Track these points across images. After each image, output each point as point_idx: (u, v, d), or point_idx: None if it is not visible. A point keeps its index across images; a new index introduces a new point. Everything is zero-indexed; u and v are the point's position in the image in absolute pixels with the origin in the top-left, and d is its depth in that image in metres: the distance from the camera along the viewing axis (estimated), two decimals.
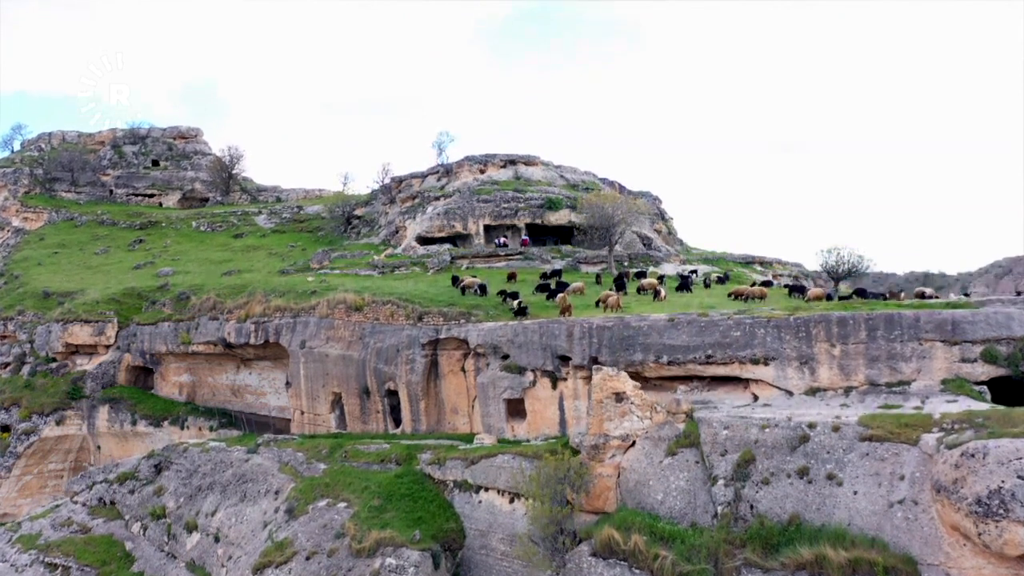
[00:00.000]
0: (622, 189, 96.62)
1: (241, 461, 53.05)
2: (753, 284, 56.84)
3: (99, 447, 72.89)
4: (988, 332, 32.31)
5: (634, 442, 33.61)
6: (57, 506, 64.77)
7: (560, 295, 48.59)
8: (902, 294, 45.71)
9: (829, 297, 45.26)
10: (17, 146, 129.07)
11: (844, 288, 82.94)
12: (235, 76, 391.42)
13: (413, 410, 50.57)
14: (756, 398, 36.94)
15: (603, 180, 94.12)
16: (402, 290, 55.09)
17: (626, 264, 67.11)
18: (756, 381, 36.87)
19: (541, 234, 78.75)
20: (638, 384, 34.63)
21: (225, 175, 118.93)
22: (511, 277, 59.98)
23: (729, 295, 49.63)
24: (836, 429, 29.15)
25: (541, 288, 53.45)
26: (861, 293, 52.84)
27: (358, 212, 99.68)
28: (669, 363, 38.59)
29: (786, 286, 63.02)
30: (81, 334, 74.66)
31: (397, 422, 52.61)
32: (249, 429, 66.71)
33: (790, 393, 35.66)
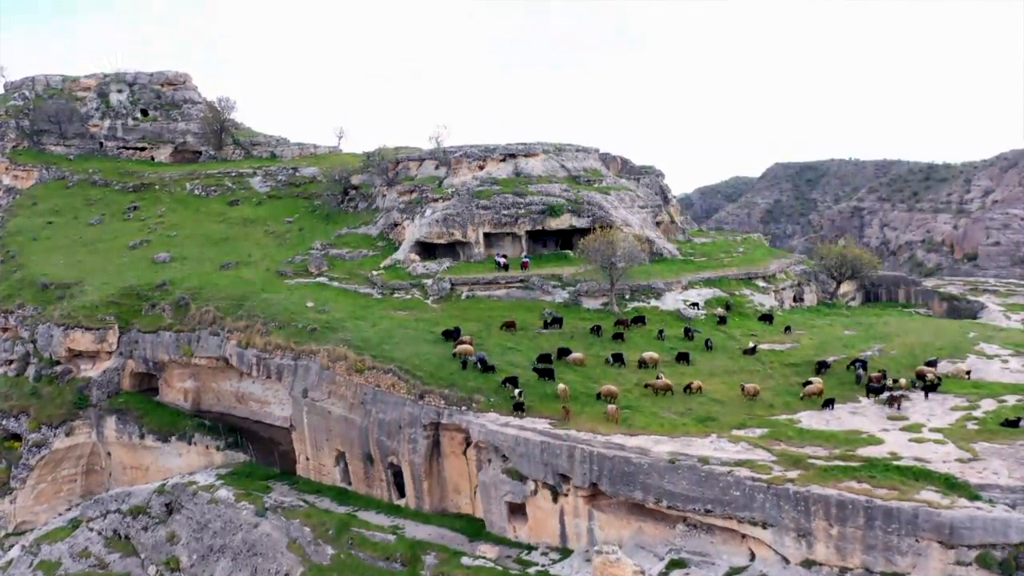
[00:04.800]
0: (624, 164, 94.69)
1: (250, 526, 54.58)
2: (752, 348, 56.79)
3: (109, 453, 74.40)
4: (985, 538, 32.56)
5: None
6: (75, 525, 67.09)
7: (562, 387, 48.64)
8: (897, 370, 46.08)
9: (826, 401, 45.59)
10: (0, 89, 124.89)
11: (845, 287, 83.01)
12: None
13: (417, 488, 51.53)
14: (753, 555, 37.82)
15: (604, 156, 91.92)
16: (403, 356, 54.87)
17: (627, 297, 66.41)
18: (755, 538, 37.59)
19: (542, 236, 77.57)
20: (638, 568, 35.28)
21: (217, 127, 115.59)
22: (509, 326, 59.73)
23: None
24: None
25: (541, 359, 53.27)
26: (861, 364, 53.10)
27: (354, 181, 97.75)
28: (669, 507, 39.40)
29: (786, 328, 62.89)
30: (83, 340, 74.83)
31: (400, 488, 53.62)
32: (255, 449, 67.98)
33: (787, 561, 36.44)
